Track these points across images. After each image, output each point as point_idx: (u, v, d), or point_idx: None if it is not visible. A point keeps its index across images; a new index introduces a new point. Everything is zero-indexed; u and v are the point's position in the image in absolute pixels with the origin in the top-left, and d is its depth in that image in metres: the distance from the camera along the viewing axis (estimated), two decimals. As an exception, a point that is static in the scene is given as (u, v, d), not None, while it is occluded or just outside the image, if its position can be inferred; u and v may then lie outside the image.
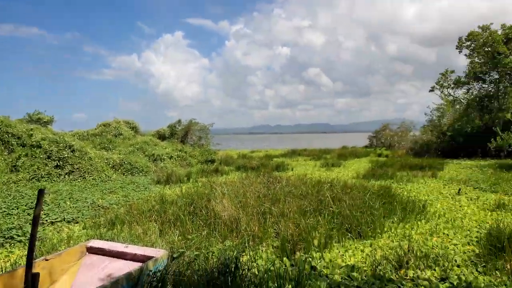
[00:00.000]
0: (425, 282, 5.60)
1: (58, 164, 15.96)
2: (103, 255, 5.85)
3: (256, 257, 6.61)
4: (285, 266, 6.25)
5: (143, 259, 5.45)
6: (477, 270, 6.05)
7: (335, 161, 24.74)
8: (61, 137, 17.33)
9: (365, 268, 6.24)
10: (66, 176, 15.67)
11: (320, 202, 9.78)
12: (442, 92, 35.82)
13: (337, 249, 7.26)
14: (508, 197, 11.68)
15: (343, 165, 23.89)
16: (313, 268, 6.27)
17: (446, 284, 5.58)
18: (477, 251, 6.81)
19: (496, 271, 5.89)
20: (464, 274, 5.87)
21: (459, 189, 13.12)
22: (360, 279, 5.81)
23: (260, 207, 9.09)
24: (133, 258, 5.63)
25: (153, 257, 5.38)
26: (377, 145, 44.65)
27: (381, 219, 8.70)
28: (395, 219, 9.10)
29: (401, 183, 15.22)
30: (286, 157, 31.39)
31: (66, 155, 16.30)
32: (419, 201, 10.72)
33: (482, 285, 5.44)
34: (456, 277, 5.75)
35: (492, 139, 21.76)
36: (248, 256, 6.58)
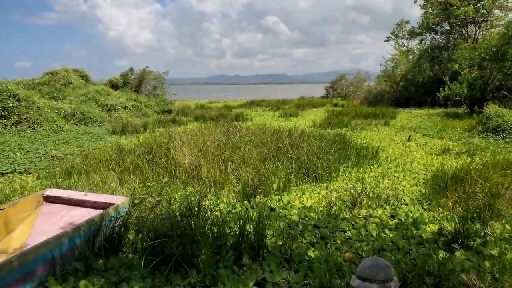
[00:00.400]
0: (377, 219, 6.02)
1: (3, 114, 14.97)
2: (62, 203, 5.74)
3: (218, 202, 6.76)
4: (246, 208, 6.45)
5: (104, 206, 5.41)
6: (423, 208, 6.57)
7: (293, 111, 25.05)
8: (4, 85, 16.11)
9: (321, 209, 6.58)
10: (13, 127, 14.80)
11: (279, 149, 10.01)
12: (396, 42, 36.57)
13: (295, 192, 7.55)
14: (453, 143, 12.51)
15: (301, 115, 24.27)
16: (272, 209, 6.53)
17: (395, 220, 6.03)
18: (423, 191, 7.35)
19: (439, 208, 6.42)
20: (411, 211, 6.35)
21: (409, 136, 13.86)
22: (316, 218, 6.14)
23: (220, 155, 9.17)
24: (93, 205, 5.57)
25: (113, 204, 5.36)
26: (333, 95, 45.48)
27: (337, 164, 9.09)
28: (350, 164, 9.53)
29: (355, 131, 15.79)
30: (245, 108, 31.34)
31: (11, 105, 15.28)
32: (372, 147, 11.24)
33: (427, 220, 5.94)
34: (404, 214, 6.22)
35: (441, 89, 22.78)
36: (211, 201, 6.71)
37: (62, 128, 15.85)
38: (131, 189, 6.93)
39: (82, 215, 5.25)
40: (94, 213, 5.01)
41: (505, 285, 3.75)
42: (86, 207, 5.59)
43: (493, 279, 4.01)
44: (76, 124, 17.34)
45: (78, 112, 18.04)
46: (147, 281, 4.13)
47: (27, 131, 14.72)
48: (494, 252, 4.69)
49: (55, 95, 21.03)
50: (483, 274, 4.11)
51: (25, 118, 15.30)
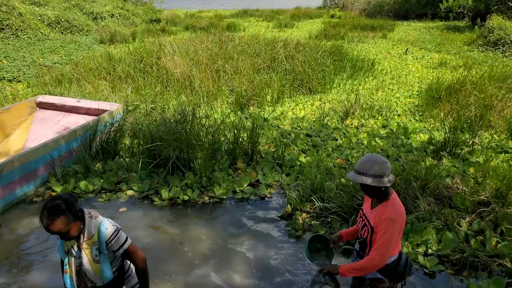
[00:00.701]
0: (368, 129, 6.13)
1: (-17, 20, 14.15)
2: (55, 110, 5.71)
3: (213, 111, 6.77)
4: (240, 118, 6.49)
5: (98, 112, 5.39)
6: (414, 119, 6.66)
7: (288, 22, 23.97)
8: (-20, -12, 14.98)
9: (313, 119, 6.65)
10: (-5, 34, 14.09)
11: (273, 60, 9.78)
12: None
13: (289, 103, 7.56)
14: (450, 56, 12.30)
15: (296, 26, 23.32)
16: (265, 119, 6.59)
17: (386, 130, 6.14)
18: (416, 102, 7.39)
19: (431, 119, 6.52)
20: (403, 122, 6.45)
21: (407, 49, 13.54)
22: (309, 127, 6.23)
23: (213, 65, 8.95)
24: (87, 112, 5.55)
25: (107, 110, 5.34)
26: (331, 6, 43.35)
27: (331, 76, 8.98)
28: (345, 76, 9.43)
29: (352, 43, 15.35)
30: (237, 18, 29.87)
31: (-10, 10, 14.38)
32: (368, 60, 11.01)
33: (418, 130, 6.06)
34: (396, 124, 6.32)
35: (444, 0, 21.75)
36: (204, 110, 6.72)
37: (47, 36, 15.13)
38: (124, 96, 6.87)
39: (76, 120, 5.25)
40: (88, 119, 5.01)
41: (487, 188, 3.96)
42: (80, 113, 5.57)
43: (476, 183, 4.22)
44: (62, 33, 16.53)
45: (63, 20, 17.09)
46: (146, 182, 4.29)
47: (11, 38, 14.03)
48: (480, 159, 4.87)
49: (36, 0, 19.71)
50: (467, 178, 4.31)
51: (7, 25, 14.48)
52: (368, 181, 2.07)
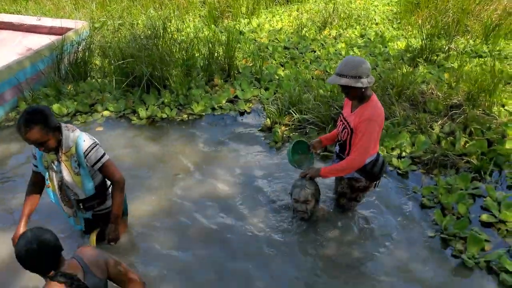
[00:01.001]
0: (346, 39, 6.02)
1: None
2: (13, 30, 5.32)
3: (184, 26, 6.45)
4: (214, 32, 6.21)
5: (62, 31, 5.06)
6: (392, 27, 6.54)
7: None
8: None
9: (291, 31, 6.44)
10: None
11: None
12: None
13: (265, 15, 7.25)
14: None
15: None
16: (241, 33, 6.34)
17: (364, 39, 6.04)
18: (395, 10, 7.20)
19: (409, 26, 6.41)
20: (380, 30, 6.33)
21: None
22: (286, 40, 6.05)
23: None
24: (50, 31, 5.21)
25: (72, 28, 5.01)
26: None
27: (309, -16, 8.53)
28: (323, -16, 8.96)
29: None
30: None
31: None
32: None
33: (395, 38, 5.98)
34: (373, 33, 6.20)
35: None
36: (176, 25, 6.38)
37: None
38: (88, 13, 6.41)
39: (39, 41, 4.92)
40: (53, 38, 4.71)
41: (459, 91, 4.06)
42: (42, 33, 5.21)
43: (450, 87, 4.30)
44: None
45: None
46: (121, 101, 4.20)
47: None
48: (455, 65, 4.92)
49: None
50: (441, 84, 4.38)
51: None
52: (348, 82, 2.08)
